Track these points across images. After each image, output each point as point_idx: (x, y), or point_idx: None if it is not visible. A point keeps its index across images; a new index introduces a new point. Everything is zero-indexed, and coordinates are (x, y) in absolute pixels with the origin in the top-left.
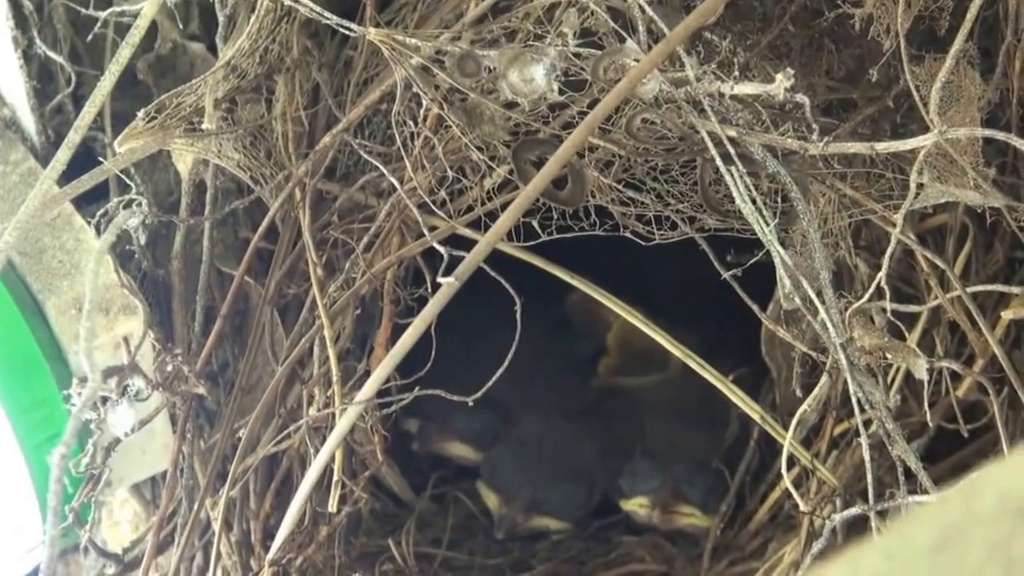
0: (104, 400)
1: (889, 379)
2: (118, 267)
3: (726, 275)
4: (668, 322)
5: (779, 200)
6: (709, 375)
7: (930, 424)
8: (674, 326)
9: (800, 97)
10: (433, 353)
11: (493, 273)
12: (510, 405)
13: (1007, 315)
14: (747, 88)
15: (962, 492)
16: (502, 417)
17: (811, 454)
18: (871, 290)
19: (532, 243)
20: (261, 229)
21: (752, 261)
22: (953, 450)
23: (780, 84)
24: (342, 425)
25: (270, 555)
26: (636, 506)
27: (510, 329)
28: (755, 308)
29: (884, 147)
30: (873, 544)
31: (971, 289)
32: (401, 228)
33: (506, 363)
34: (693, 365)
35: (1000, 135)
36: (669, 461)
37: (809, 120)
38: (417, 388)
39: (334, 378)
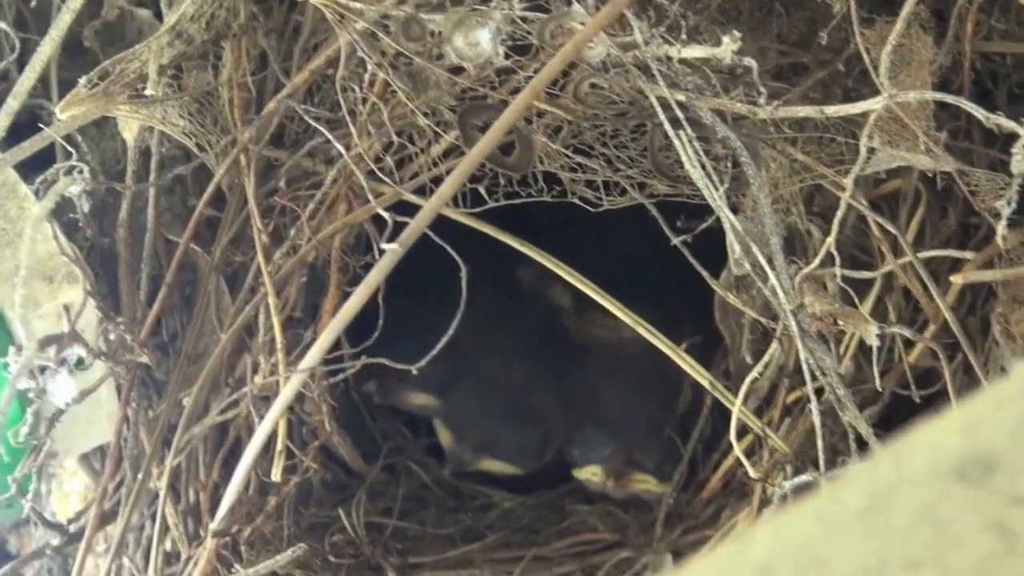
0: (43, 369)
1: (843, 346)
2: (59, 234)
3: (676, 241)
4: (626, 292)
5: (730, 165)
6: (660, 343)
7: (880, 390)
8: (632, 295)
9: (748, 60)
10: (382, 320)
11: (437, 239)
12: (470, 352)
13: (957, 279)
14: (695, 51)
15: (893, 454)
16: (462, 364)
17: (764, 422)
18: (820, 255)
19: (479, 209)
20: (206, 195)
21: (702, 227)
22: (908, 417)
23: (727, 47)
24: (286, 393)
25: (214, 525)
26: (589, 475)
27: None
28: (705, 274)
29: (834, 111)
30: (803, 507)
31: (923, 255)
32: (348, 195)
33: (451, 330)
34: (644, 333)
35: (950, 98)
36: (621, 428)
37: (757, 84)
38: (364, 356)
39: (278, 345)
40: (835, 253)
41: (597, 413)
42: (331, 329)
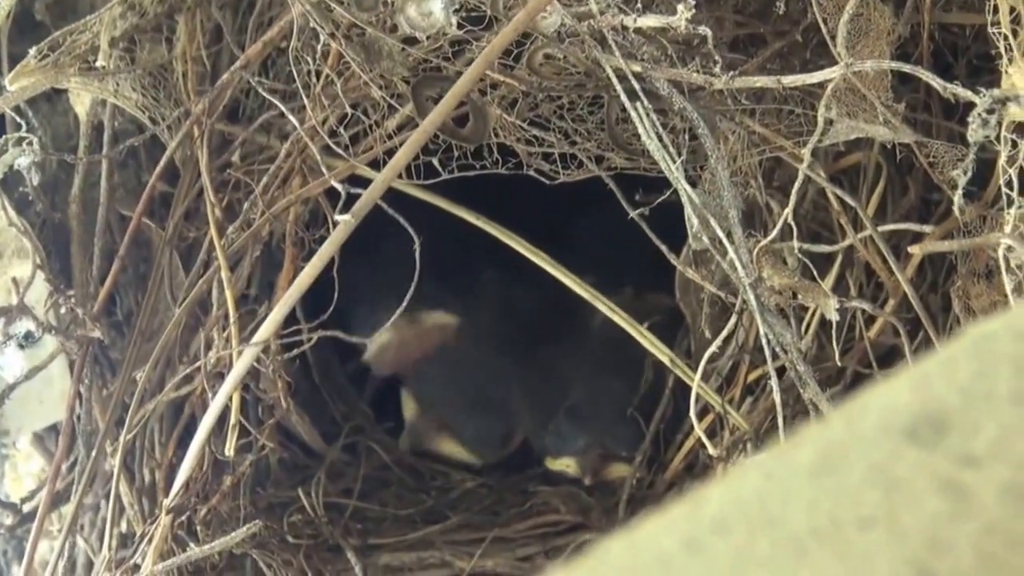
0: None
1: (804, 323)
2: (7, 207)
3: (633, 214)
4: (595, 270)
5: (688, 137)
6: (622, 320)
7: (839, 364)
8: (601, 274)
9: (703, 29)
10: (336, 294)
11: (391, 211)
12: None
13: (915, 250)
14: (650, 21)
15: (845, 412)
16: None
17: (726, 400)
18: (778, 227)
19: (432, 181)
20: (158, 169)
21: (660, 200)
22: None
23: (682, 15)
24: (238, 368)
25: (168, 502)
26: (563, 467)
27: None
28: (664, 249)
29: (791, 80)
30: (753, 464)
31: (883, 228)
32: (303, 169)
33: (405, 301)
34: (604, 309)
35: (907, 67)
36: (591, 418)
37: (713, 53)
38: (320, 330)
39: (231, 320)
40: (793, 226)
41: (566, 400)
42: (284, 303)
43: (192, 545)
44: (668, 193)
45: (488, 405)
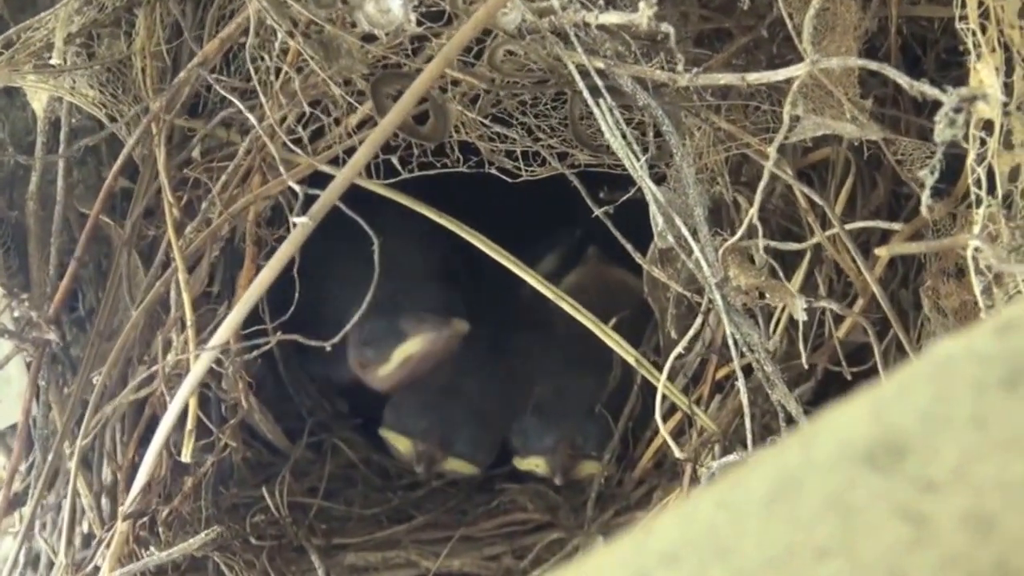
0: None
1: (773, 321)
2: None
3: (598, 212)
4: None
5: (653, 134)
6: (585, 319)
7: (807, 366)
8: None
9: (665, 27)
10: (297, 296)
11: (349, 212)
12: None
13: (882, 252)
14: (612, 18)
15: (800, 439)
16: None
17: (693, 399)
18: (744, 226)
19: (394, 180)
20: (115, 168)
21: (625, 198)
22: (842, 394)
23: (643, 12)
24: (195, 371)
25: (125, 508)
26: (532, 466)
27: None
28: (629, 247)
29: (755, 78)
30: (707, 493)
31: (851, 226)
32: (262, 167)
33: (363, 307)
34: (569, 309)
35: (873, 64)
36: (560, 415)
37: (674, 51)
38: (279, 333)
39: (188, 322)
40: (758, 225)
41: (533, 398)
42: (242, 305)
43: (153, 548)
44: (633, 191)
45: (471, 415)
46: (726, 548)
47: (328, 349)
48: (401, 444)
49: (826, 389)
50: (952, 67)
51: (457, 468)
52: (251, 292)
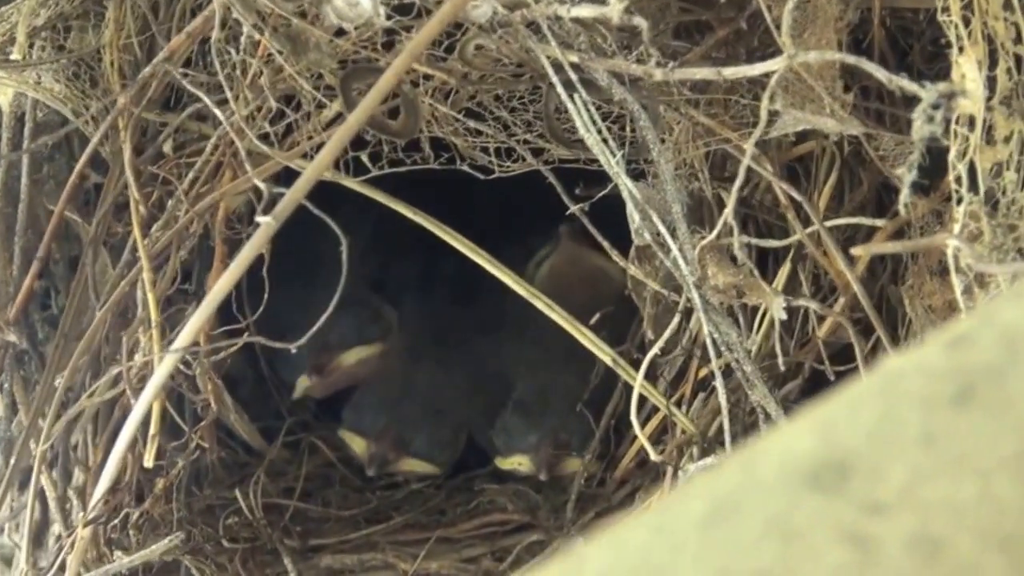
0: None
1: (757, 320)
2: None
3: (574, 208)
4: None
5: (630, 129)
6: (561, 319)
7: (782, 367)
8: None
9: (637, 20)
10: (266, 296)
11: (316, 211)
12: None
13: (860, 252)
14: (584, 11)
15: (741, 459)
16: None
17: (673, 401)
18: (720, 224)
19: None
20: (80, 163)
21: (601, 194)
22: (828, 393)
23: (615, 6)
24: (159, 374)
25: (86, 514)
26: (515, 464)
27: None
28: (606, 244)
29: (732, 72)
30: (642, 518)
31: (832, 223)
32: (232, 163)
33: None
34: (545, 309)
35: (851, 59)
36: (542, 413)
37: (647, 45)
38: (247, 333)
39: (153, 324)
40: (733, 224)
41: (513, 396)
42: (206, 306)
43: (120, 553)
44: (610, 187)
45: (429, 414)
46: (659, 573)
47: (294, 351)
48: (357, 445)
49: (814, 388)
50: (940, 58)
51: (415, 468)
52: (214, 293)
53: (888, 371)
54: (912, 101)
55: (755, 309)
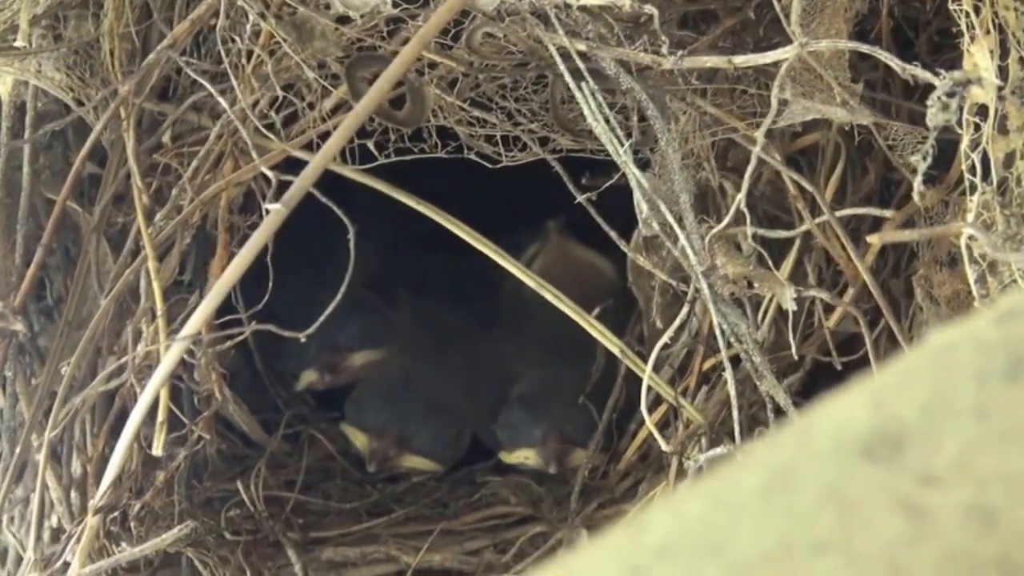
0: None
1: (762, 310)
2: None
3: (581, 199)
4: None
5: (637, 119)
6: (568, 309)
7: (795, 356)
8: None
9: (648, 8)
10: (270, 285)
11: (324, 199)
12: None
13: (873, 240)
14: None
15: (796, 431)
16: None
17: (680, 390)
18: (731, 213)
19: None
20: (83, 152)
21: (608, 184)
22: (831, 385)
23: None
24: (165, 364)
25: (94, 502)
26: (522, 458)
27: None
28: (613, 234)
29: (742, 61)
30: (700, 487)
31: (841, 213)
32: (235, 152)
33: (338, 297)
34: (552, 299)
35: (864, 47)
36: (546, 405)
37: (659, 34)
38: (254, 322)
39: (158, 313)
40: (746, 212)
41: (517, 390)
42: (213, 295)
43: (124, 544)
44: (617, 177)
45: (431, 410)
46: (720, 542)
47: (300, 341)
48: (358, 440)
49: (816, 379)
50: (945, 49)
51: (416, 465)
52: (222, 282)
53: (940, 344)
54: (916, 93)
55: (759, 300)
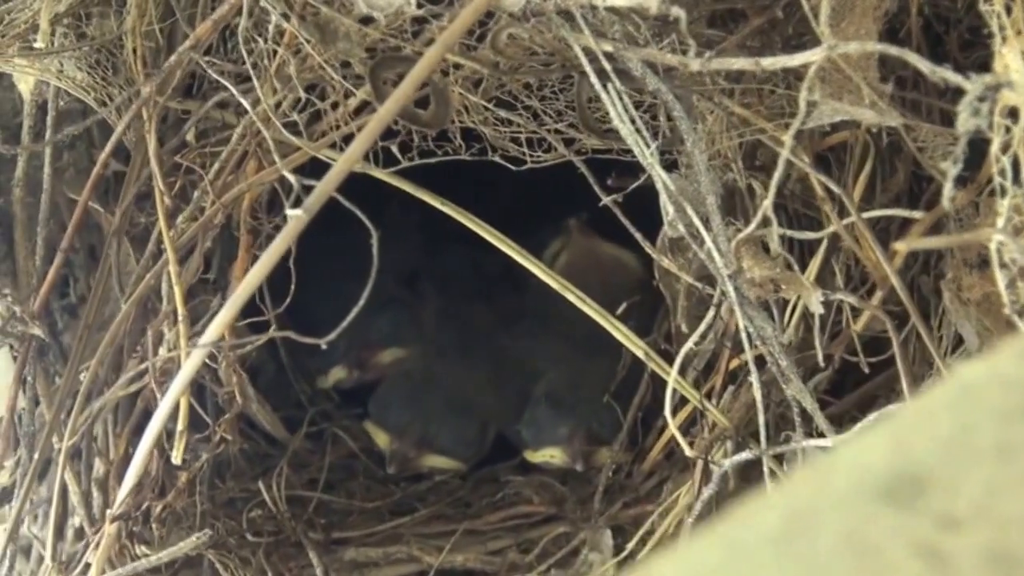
0: None
1: (788, 312)
2: None
3: (606, 200)
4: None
5: (663, 119)
6: (591, 310)
7: (821, 361)
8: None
9: (675, 10)
10: (293, 287)
11: (347, 204)
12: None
13: (900, 247)
14: (619, 0)
15: (815, 472)
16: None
17: (705, 391)
18: (759, 216)
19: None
20: (105, 153)
21: (635, 185)
22: (859, 384)
23: None
24: (186, 369)
25: (113, 510)
26: (547, 457)
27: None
28: (639, 236)
29: (770, 63)
30: (714, 533)
31: (869, 214)
32: (258, 153)
33: (363, 299)
34: (575, 300)
35: (894, 50)
36: (572, 403)
37: (685, 35)
38: (274, 328)
39: (179, 317)
40: (772, 216)
41: (543, 387)
42: (234, 301)
43: (145, 549)
44: (643, 178)
45: (455, 409)
46: None
47: (324, 347)
48: (380, 439)
49: (843, 379)
50: (976, 47)
51: (439, 464)
52: (244, 287)
53: (962, 381)
54: (947, 91)
55: (785, 301)
